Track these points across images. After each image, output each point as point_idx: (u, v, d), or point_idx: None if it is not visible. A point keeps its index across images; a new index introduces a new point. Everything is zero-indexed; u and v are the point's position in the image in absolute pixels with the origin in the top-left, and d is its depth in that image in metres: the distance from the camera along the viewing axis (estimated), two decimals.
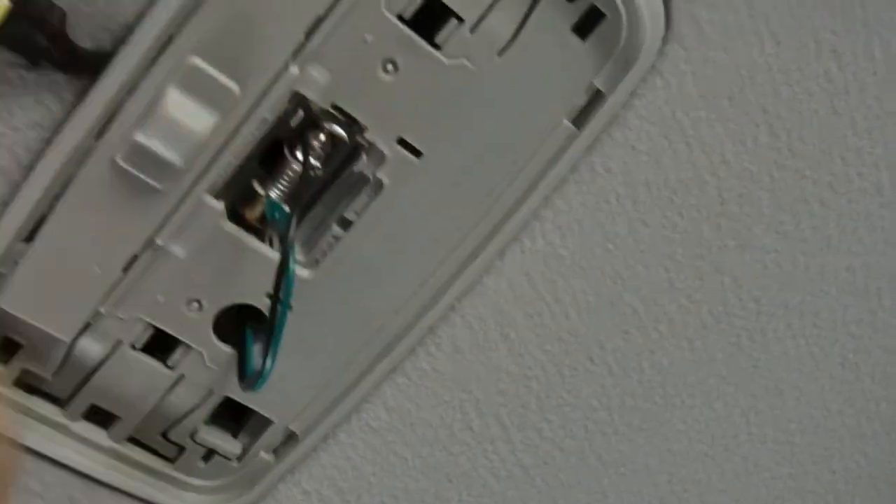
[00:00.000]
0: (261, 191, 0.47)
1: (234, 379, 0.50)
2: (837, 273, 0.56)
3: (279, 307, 0.45)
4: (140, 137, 0.41)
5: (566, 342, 0.53)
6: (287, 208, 0.47)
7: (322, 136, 0.46)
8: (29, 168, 0.42)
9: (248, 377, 0.47)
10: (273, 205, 0.46)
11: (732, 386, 0.59)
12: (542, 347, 0.53)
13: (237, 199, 0.47)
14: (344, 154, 0.47)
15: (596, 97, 0.47)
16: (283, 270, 0.44)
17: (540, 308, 0.52)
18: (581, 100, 0.47)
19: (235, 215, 0.47)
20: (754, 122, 0.49)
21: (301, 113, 0.45)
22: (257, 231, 0.48)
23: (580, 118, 0.47)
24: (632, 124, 0.48)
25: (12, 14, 0.38)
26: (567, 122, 0.47)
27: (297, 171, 0.46)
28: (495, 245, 0.50)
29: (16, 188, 0.43)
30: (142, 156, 0.42)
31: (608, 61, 0.46)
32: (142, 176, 0.43)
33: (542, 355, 0.53)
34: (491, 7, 0.44)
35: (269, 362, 0.44)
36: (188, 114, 0.42)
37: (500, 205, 0.49)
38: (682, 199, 0.50)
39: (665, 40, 0.46)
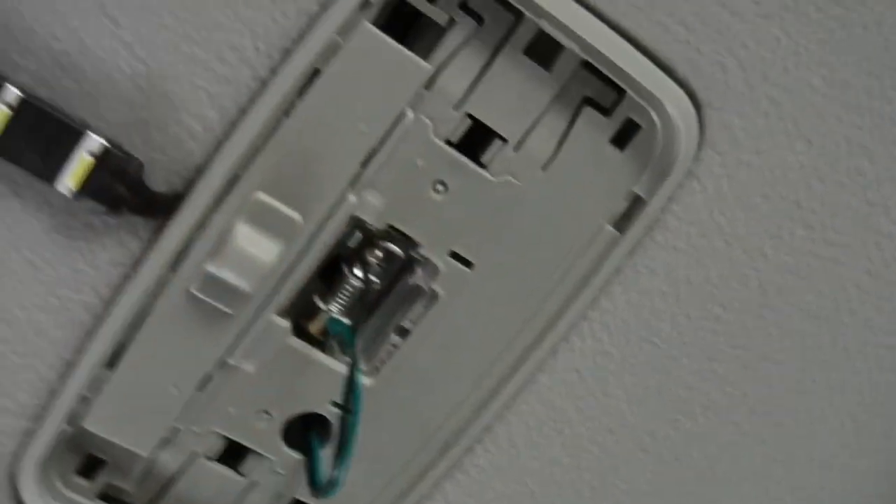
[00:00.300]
0: (322, 306, 0.49)
1: (302, 482, 0.52)
2: (878, 353, 0.58)
3: (349, 418, 0.47)
4: (212, 269, 0.45)
5: (617, 433, 0.56)
6: (347, 321, 0.49)
7: (378, 253, 0.49)
8: (110, 302, 0.46)
9: (320, 486, 0.50)
10: (335, 322, 0.49)
11: (780, 464, 0.61)
12: (594, 440, 0.55)
13: (300, 314, 0.50)
14: (399, 267, 0.50)
15: (636, 203, 0.49)
16: (351, 384, 0.47)
17: (591, 403, 0.54)
18: (622, 206, 0.50)
19: (298, 329, 0.50)
20: (789, 216, 0.52)
21: (358, 234, 0.48)
22: (319, 342, 0.50)
23: (622, 223, 0.50)
24: (672, 226, 0.50)
25: (95, 168, 0.41)
26: (610, 227, 0.50)
27: (356, 286, 0.49)
28: (546, 345, 0.52)
29: (99, 320, 0.46)
30: (214, 285, 0.45)
31: (646, 169, 0.49)
32: (214, 303, 0.46)
33: (595, 447, 0.56)
34: (532, 127, 0.47)
35: (341, 473, 0.47)
36: (256, 245, 0.45)
37: (549, 307, 0.51)
38: (723, 294, 0.53)
39: (699, 147, 0.48)
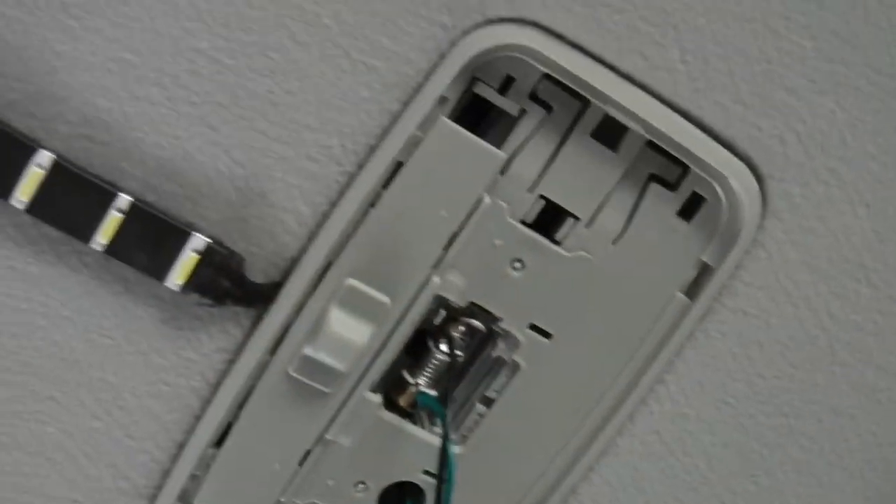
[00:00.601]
0: (410, 380, 0.52)
1: None
2: None
3: (444, 486, 0.50)
4: (309, 352, 0.48)
5: (699, 491, 0.58)
6: (435, 393, 0.52)
7: (462, 328, 0.52)
8: (216, 385, 0.49)
9: None
10: (424, 395, 0.52)
11: None
12: (675, 497, 0.57)
13: (390, 388, 0.53)
14: (481, 340, 0.53)
15: (705, 270, 0.52)
16: (443, 454, 0.50)
17: (672, 463, 0.56)
18: (691, 274, 0.52)
19: (389, 402, 0.53)
20: (854, 277, 0.53)
21: (443, 311, 0.51)
22: (409, 414, 0.53)
23: (692, 290, 0.52)
24: (740, 291, 0.52)
25: (199, 264, 0.45)
26: (681, 295, 0.52)
27: (442, 360, 0.52)
28: (625, 409, 0.54)
29: (206, 403, 0.49)
30: (311, 367, 0.48)
31: (713, 239, 0.51)
32: (312, 383, 0.49)
33: None
34: (602, 204, 0.50)
35: None
36: (348, 328, 0.48)
37: (626, 373, 0.54)
38: (794, 354, 0.55)
39: (763, 216, 0.51)
